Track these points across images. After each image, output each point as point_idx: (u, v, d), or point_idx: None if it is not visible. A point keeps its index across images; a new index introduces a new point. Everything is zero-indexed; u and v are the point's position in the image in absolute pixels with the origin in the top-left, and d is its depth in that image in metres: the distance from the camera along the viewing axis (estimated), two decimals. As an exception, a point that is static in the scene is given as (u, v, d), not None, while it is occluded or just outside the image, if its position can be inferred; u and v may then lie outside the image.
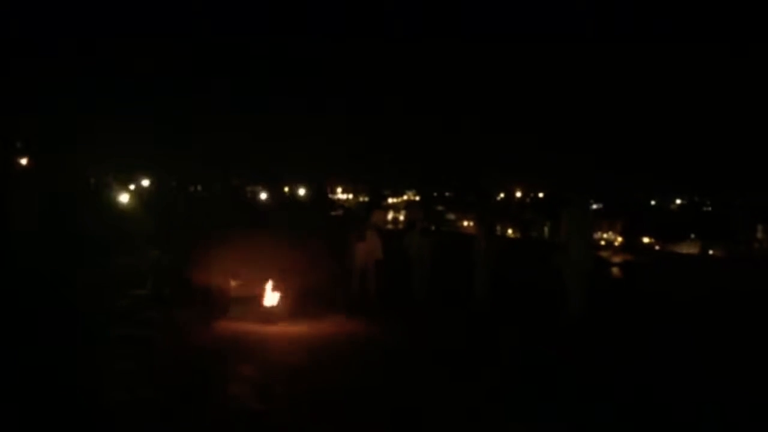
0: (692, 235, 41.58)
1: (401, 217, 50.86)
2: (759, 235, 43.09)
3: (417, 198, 57.77)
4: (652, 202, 56.62)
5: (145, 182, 30.29)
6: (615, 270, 18.70)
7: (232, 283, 9.29)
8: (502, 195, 56.99)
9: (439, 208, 48.76)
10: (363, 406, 5.40)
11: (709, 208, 52.90)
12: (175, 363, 6.67)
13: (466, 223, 42.42)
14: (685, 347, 7.73)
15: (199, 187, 29.94)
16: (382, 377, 6.29)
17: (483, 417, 5.20)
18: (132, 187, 28.25)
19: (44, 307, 8.64)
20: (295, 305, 9.09)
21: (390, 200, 62.81)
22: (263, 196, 27.82)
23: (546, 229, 40.01)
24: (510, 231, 37.54)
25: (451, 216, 48.00)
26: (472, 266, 10.42)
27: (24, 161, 22.73)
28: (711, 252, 35.43)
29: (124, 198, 24.38)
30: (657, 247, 41.32)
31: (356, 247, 10.51)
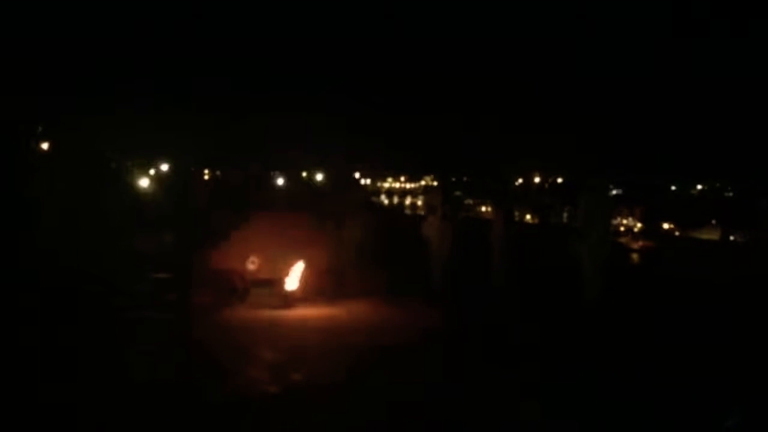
0: (713, 221, 41.08)
1: (419, 203, 50.77)
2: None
3: (434, 183, 57.56)
4: (673, 188, 56.02)
5: (165, 167, 30.44)
6: (634, 256, 18.59)
7: (252, 267, 9.36)
8: (520, 180, 56.66)
9: (457, 193, 48.59)
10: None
11: (731, 194, 52.22)
12: (194, 346, 6.74)
13: (484, 209, 42.23)
14: (702, 333, 7.65)
15: (218, 172, 30.04)
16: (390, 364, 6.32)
17: (484, 402, 5.22)
18: (152, 171, 28.47)
19: (66, 289, 8.76)
20: (313, 289, 9.14)
21: (408, 185, 62.75)
22: (280, 181, 27.90)
23: (565, 214, 39.74)
24: (528, 216, 37.30)
25: (469, 201, 47.80)
26: (490, 251, 10.40)
27: (45, 146, 22.91)
28: (732, 238, 35.01)
29: (144, 182, 24.59)
30: (677, 233, 40.91)
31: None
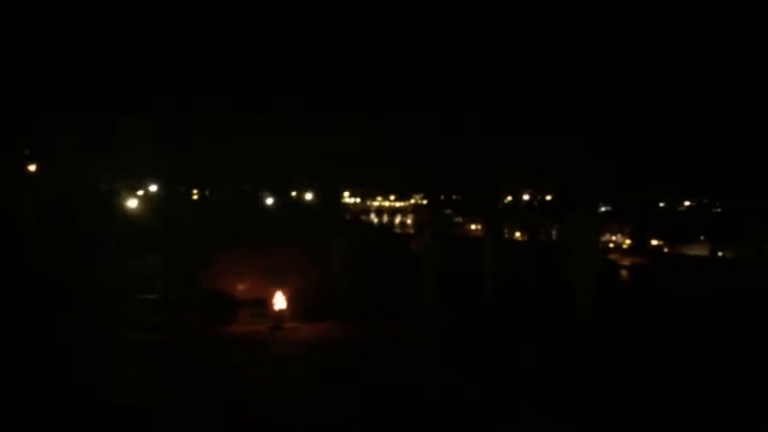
0: (701, 237, 41.26)
1: (408, 221, 50.84)
2: (770, 236, 42.55)
3: (424, 201, 57.69)
4: (661, 204, 56.37)
5: (153, 188, 30.39)
6: (624, 273, 18.59)
7: (240, 287, 9.32)
8: (509, 198, 56.87)
9: (447, 211, 48.74)
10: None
11: (719, 210, 52.60)
12: (185, 367, 6.68)
13: (473, 226, 42.30)
14: (692, 348, 7.65)
15: (207, 192, 30.03)
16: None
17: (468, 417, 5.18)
18: (140, 192, 28.39)
19: (56, 311, 8.69)
20: (302, 309, 9.10)
21: (397, 204, 62.88)
22: (269, 201, 27.89)
23: (554, 232, 39.88)
24: (518, 234, 37.36)
25: (459, 219, 47.93)
26: (479, 269, 10.40)
27: (32, 168, 22.82)
28: (720, 254, 35.17)
29: (132, 203, 24.49)
30: (666, 250, 41.04)
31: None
